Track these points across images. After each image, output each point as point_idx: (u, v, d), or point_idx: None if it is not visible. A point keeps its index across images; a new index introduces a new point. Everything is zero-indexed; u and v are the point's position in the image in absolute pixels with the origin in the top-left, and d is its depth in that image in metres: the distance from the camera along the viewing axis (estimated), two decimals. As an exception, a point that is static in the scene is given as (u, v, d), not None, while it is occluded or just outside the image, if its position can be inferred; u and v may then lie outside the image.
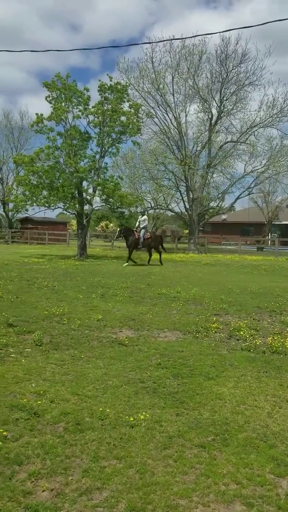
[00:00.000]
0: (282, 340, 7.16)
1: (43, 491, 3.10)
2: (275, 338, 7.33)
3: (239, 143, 37.35)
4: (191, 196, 38.53)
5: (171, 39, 30.74)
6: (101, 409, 4.36)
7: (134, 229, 21.30)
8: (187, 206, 39.50)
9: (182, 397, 4.84)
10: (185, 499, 3.07)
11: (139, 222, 21.73)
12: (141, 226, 21.35)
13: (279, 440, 3.94)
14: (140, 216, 22.34)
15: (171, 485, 3.22)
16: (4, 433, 3.78)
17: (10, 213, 46.47)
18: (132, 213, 32.72)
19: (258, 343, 7.17)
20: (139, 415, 4.26)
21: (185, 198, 39.66)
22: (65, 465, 3.41)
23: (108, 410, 4.35)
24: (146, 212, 25.48)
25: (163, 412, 4.44)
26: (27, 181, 24.04)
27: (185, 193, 39.23)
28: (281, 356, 6.63)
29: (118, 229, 20.78)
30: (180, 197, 40.41)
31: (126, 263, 20.23)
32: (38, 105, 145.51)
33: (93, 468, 3.38)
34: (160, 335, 7.72)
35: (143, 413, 4.32)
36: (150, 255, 21.84)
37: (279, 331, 8.11)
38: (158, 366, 5.87)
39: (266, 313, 9.82)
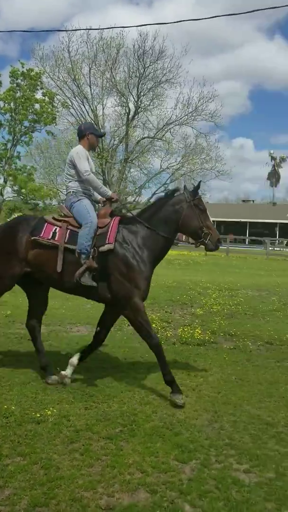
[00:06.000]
0: (191, 332, 7.41)
1: None
2: (185, 329, 7.58)
3: (155, 139, 37.90)
4: (108, 189, 38.46)
5: (88, 29, 30.37)
6: (5, 406, 4.21)
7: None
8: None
9: (91, 390, 4.82)
10: (90, 491, 3.06)
11: None
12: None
13: (184, 428, 4.07)
14: None
15: (76, 478, 3.19)
16: None
17: None
18: (46, 206, 31.80)
19: (169, 334, 7.37)
20: (46, 410, 4.18)
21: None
22: None
23: (13, 408, 4.21)
24: None
25: (71, 406, 4.39)
26: None
27: (102, 186, 39.05)
28: (190, 346, 6.87)
29: None
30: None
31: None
32: None
33: (-5, 467, 3.25)
34: (73, 329, 7.64)
35: (51, 408, 4.23)
36: None
37: (189, 323, 8.40)
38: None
39: (178, 306, 10.11)
